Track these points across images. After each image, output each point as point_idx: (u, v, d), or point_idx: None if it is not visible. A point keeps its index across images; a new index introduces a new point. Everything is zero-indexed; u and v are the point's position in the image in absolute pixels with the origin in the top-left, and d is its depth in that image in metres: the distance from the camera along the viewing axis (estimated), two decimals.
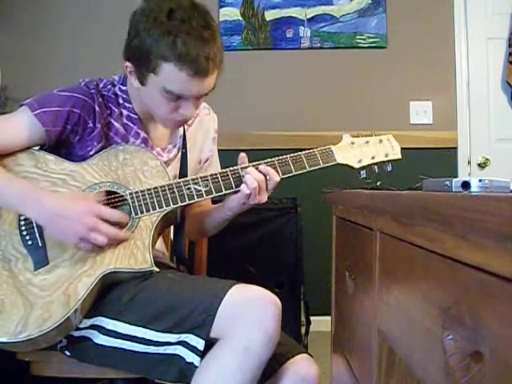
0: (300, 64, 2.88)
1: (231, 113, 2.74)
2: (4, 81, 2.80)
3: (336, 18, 2.86)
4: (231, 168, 1.17)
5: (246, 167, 1.16)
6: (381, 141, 1.28)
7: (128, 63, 1.13)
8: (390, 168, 1.28)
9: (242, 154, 1.18)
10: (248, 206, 1.18)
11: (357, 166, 1.24)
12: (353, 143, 1.25)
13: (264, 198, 1.16)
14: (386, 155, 1.27)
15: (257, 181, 1.13)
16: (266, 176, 1.15)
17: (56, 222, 1.05)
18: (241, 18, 2.87)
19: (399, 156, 1.28)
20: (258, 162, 1.18)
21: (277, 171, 1.17)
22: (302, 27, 2.87)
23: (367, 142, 1.26)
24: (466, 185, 0.69)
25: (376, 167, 1.27)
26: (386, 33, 2.84)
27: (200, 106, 1.35)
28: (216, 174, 1.16)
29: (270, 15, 2.87)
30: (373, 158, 1.26)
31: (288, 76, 2.89)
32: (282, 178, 1.18)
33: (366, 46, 2.86)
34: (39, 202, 1.05)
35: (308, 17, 2.86)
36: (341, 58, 2.88)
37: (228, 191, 1.16)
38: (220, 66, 1.13)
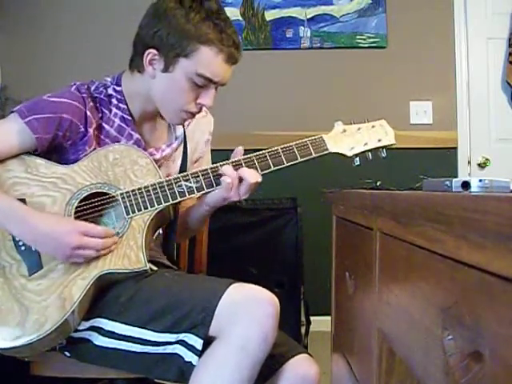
0: (300, 64, 2.88)
1: (231, 113, 2.74)
2: (4, 81, 2.80)
3: (336, 18, 2.86)
4: (222, 162, 1.15)
5: (231, 163, 1.15)
6: (373, 126, 1.24)
7: (152, 50, 1.13)
8: (384, 154, 1.24)
9: (239, 148, 1.17)
10: (228, 201, 1.16)
11: (349, 153, 1.21)
12: (345, 130, 1.22)
13: (243, 195, 1.14)
14: (379, 140, 1.23)
15: (233, 177, 1.12)
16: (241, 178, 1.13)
17: (42, 241, 1.05)
18: (241, 18, 2.87)
19: (393, 141, 1.24)
20: (248, 156, 1.16)
21: (268, 163, 1.16)
22: (302, 27, 2.87)
23: (359, 129, 1.23)
24: (465, 185, 0.69)
25: (370, 154, 1.23)
26: (386, 33, 2.84)
27: (194, 118, 1.35)
28: (206, 170, 1.15)
29: (270, 15, 2.87)
30: (365, 144, 1.22)
31: (288, 76, 2.89)
32: (274, 170, 1.17)
33: (366, 45, 2.86)
34: (25, 221, 1.04)
35: (308, 17, 2.86)
36: (341, 57, 2.88)
37: (219, 187, 1.14)
38: None
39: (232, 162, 1.15)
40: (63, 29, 2.90)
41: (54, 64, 2.85)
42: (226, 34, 1.12)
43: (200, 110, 1.20)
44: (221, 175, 1.14)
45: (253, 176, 1.13)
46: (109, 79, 1.24)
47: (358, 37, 2.85)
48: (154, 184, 1.13)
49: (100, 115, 1.20)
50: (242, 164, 1.15)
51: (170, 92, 1.16)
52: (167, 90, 1.17)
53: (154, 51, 1.13)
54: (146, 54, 1.14)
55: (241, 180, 1.13)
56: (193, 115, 1.21)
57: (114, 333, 1.06)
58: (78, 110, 1.15)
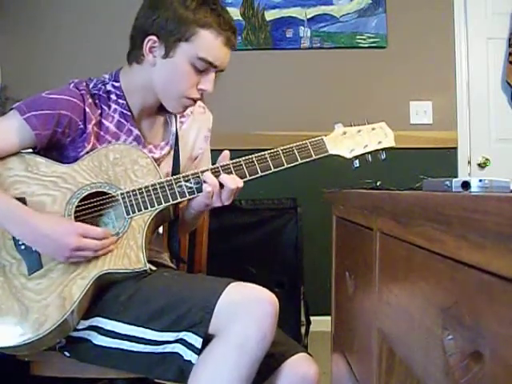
0: (300, 64, 2.88)
1: (231, 113, 2.74)
2: (4, 81, 2.80)
3: (336, 18, 2.86)
4: (222, 163, 1.16)
5: (228, 165, 1.15)
6: (373, 129, 1.25)
7: (151, 37, 1.14)
8: (383, 156, 1.25)
9: (225, 152, 1.18)
10: (211, 206, 1.16)
11: (349, 156, 1.22)
12: (345, 133, 1.23)
13: (225, 201, 1.15)
14: (379, 143, 1.24)
15: (213, 185, 1.12)
16: (221, 184, 1.13)
17: (42, 242, 1.05)
18: (241, 18, 2.87)
19: (393, 143, 1.25)
20: (249, 157, 1.16)
21: (268, 165, 1.16)
22: (302, 27, 2.87)
23: (359, 131, 1.24)
24: (465, 185, 0.69)
25: (369, 156, 1.24)
26: (386, 33, 2.84)
27: (195, 105, 1.35)
28: (207, 171, 1.15)
29: (270, 15, 2.87)
30: (365, 146, 1.23)
31: (288, 76, 2.89)
32: (274, 172, 1.17)
33: (366, 45, 2.86)
34: (25, 222, 1.05)
35: (308, 17, 2.86)
36: (341, 58, 2.87)
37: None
38: None
39: (232, 163, 1.15)
40: (63, 29, 2.89)
41: (54, 64, 2.85)
42: (223, 18, 1.14)
43: (201, 97, 1.21)
44: (219, 175, 1.14)
45: (233, 182, 1.13)
46: (107, 76, 1.25)
47: (358, 37, 2.85)
48: (155, 184, 1.13)
49: (99, 111, 1.20)
50: (242, 165, 1.16)
51: (172, 77, 1.17)
52: (169, 76, 1.17)
53: (153, 38, 1.14)
54: (145, 42, 1.15)
55: (222, 186, 1.13)
56: (194, 102, 1.21)
57: (113, 332, 1.06)
58: (76, 107, 1.15)
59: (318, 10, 2.86)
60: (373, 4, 2.84)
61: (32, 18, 2.89)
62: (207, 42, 1.13)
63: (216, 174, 1.14)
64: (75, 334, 1.08)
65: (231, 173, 1.15)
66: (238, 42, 2.84)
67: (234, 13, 2.85)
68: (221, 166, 1.15)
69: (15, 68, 2.83)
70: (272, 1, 2.87)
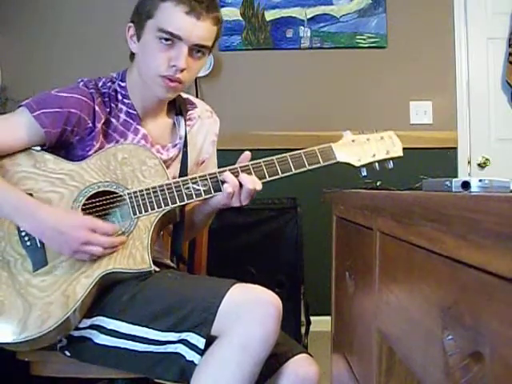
0: (300, 64, 2.88)
1: (231, 113, 2.74)
2: (4, 81, 2.80)
3: (336, 17, 2.86)
4: (231, 167, 1.17)
5: (238, 168, 1.16)
6: (382, 138, 1.26)
7: (129, 24, 1.19)
8: (391, 166, 1.26)
9: (247, 153, 1.18)
10: (228, 206, 1.16)
11: (357, 164, 1.22)
12: (353, 141, 1.23)
13: (243, 202, 1.15)
14: (387, 153, 1.25)
15: (234, 185, 1.13)
16: (241, 184, 1.13)
17: (49, 235, 1.05)
18: (241, 18, 2.87)
19: (401, 153, 1.26)
20: (257, 161, 1.17)
21: (276, 170, 1.17)
22: (302, 27, 2.86)
23: (368, 140, 1.24)
24: (466, 185, 0.69)
25: (377, 165, 1.25)
26: (386, 33, 2.84)
27: (202, 109, 1.35)
28: (214, 173, 1.16)
29: (270, 15, 2.87)
30: (373, 155, 1.24)
31: (288, 76, 2.89)
32: (281, 177, 1.18)
33: (366, 45, 2.86)
34: (34, 214, 1.05)
35: (308, 17, 2.86)
36: (341, 57, 2.87)
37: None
38: (216, 21, 1.17)
39: (240, 167, 1.16)
40: (63, 29, 2.89)
41: (54, 64, 2.85)
42: None
43: (175, 74, 1.15)
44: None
45: (252, 182, 1.13)
46: (115, 75, 1.26)
47: (357, 37, 2.85)
48: (162, 185, 1.13)
49: (108, 110, 1.21)
50: (250, 169, 1.16)
51: (145, 58, 1.18)
52: (143, 57, 1.19)
53: (131, 25, 1.19)
54: (126, 32, 1.19)
55: (241, 185, 1.14)
56: (171, 81, 1.16)
57: (115, 331, 1.06)
58: (86, 105, 1.16)
59: (317, 10, 2.86)
60: (373, 4, 2.84)
61: (32, 18, 2.89)
62: (167, 13, 1.13)
63: (234, 174, 1.15)
64: (77, 333, 1.08)
65: (251, 173, 1.15)
66: (238, 42, 2.84)
67: (234, 13, 2.85)
68: (240, 167, 1.16)
69: (15, 68, 2.83)
70: (272, 1, 2.87)
